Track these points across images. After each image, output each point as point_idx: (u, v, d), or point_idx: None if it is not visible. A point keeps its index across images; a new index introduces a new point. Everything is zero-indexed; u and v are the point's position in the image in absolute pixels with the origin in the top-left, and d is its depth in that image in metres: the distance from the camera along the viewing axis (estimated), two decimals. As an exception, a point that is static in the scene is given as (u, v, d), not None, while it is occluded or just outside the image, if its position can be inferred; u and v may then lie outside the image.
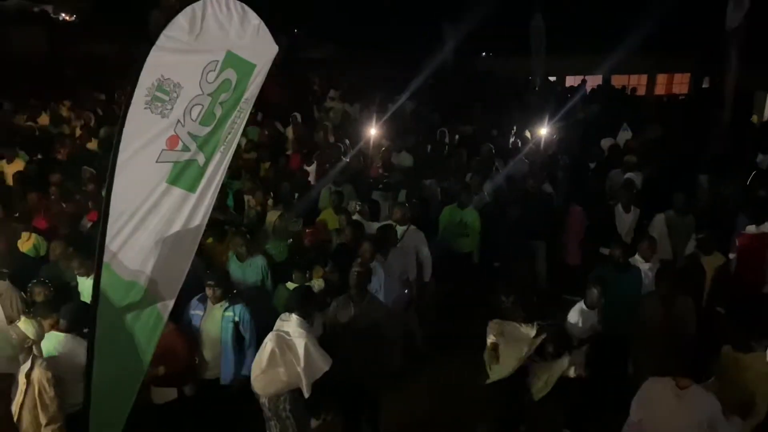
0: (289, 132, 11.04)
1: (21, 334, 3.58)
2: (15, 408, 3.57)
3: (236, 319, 4.42)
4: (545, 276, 7.40)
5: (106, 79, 15.08)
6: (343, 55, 24.48)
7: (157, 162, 3.17)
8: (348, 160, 8.75)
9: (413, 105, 13.90)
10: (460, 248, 6.95)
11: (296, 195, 7.49)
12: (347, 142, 9.77)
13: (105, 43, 23.22)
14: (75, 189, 6.77)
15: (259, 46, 3.34)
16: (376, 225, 6.29)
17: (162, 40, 3.08)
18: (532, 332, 4.44)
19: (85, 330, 3.44)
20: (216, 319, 4.46)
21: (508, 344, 4.43)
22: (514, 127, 12.32)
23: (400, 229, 5.97)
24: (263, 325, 4.37)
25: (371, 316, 4.49)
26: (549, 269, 7.41)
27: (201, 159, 3.31)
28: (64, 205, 6.34)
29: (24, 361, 3.59)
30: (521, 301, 4.72)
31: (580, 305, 4.83)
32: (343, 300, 4.64)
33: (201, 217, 3.39)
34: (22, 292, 4.57)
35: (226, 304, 4.46)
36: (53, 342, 3.88)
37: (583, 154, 9.95)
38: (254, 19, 3.26)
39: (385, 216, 6.76)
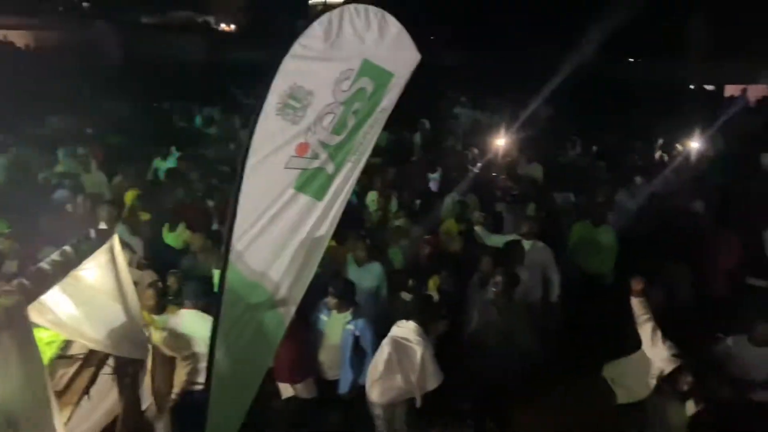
0: (417, 138, 11.06)
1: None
2: (148, 380, 3.80)
3: (357, 333, 4.42)
4: (689, 305, 6.64)
5: (257, 85, 16.16)
6: (475, 61, 24.19)
7: (285, 168, 3.24)
8: (474, 168, 8.55)
9: (548, 112, 13.32)
10: (592, 268, 6.46)
11: (418, 202, 7.44)
12: (475, 150, 9.56)
13: (258, 51, 25.11)
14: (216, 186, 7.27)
15: (398, 54, 3.27)
16: (497, 238, 6.06)
17: (296, 48, 3.15)
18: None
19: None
20: (337, 328, 4.49)
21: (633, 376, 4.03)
22: (660, 140, 11.33)
23: (526, 245, 5.68)
24: (377, 332, 4.35)
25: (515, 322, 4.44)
26: (692, 298, 6.64)
27: (330, 168, 3.32)
28: (208, 201, 6.81)
29: None
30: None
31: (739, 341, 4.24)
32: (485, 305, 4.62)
33: (327, 227, 3.39)
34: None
35: (349, 317, 4.48)
36: (179, 316, 4.14)
37: (742, 172, 8.87)
38: (394, 26, 3.19)
39: (510, 230, 6.49)
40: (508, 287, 4.73)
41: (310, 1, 57.04)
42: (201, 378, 3.95)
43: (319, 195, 3.35)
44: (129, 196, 6.50)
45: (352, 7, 3.11)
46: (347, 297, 4.50)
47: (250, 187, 3.22)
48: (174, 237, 5.97)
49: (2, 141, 9.34)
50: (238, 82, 16.29)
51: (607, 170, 8.73)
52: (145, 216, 6.08)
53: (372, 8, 3.14)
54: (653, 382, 3.98)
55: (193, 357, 3.82)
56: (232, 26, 48.24)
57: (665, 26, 17.21)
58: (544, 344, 5.79)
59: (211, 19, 52.02)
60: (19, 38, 28.01)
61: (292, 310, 3.49)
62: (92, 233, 3.01)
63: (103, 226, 5.63)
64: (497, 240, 5.95)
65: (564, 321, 6.16)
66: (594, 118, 12.96)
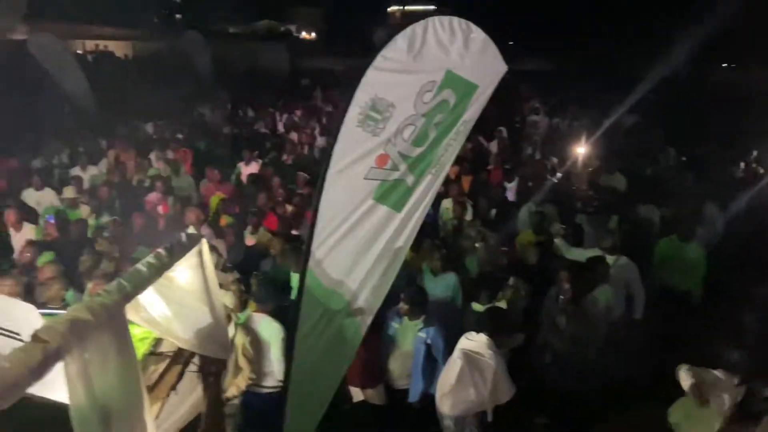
0: (493, 146, 10.90)
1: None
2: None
3: (428, 341, 4.41)
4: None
5: (335, 92, 16.52)
6: (555, 66, 23.60)
7: (365, 178, 3.30)
8: (553, 178, 8.32)
9: (633, 120, 12.74)
10: (678, 286, 6.12)
11: (494, 211, 7.32)
12: (554, 159, 9.30)
13: (337, 59, 25.71)
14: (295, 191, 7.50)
15: (483, 65, 3.25)
16: (577, 251, 5.85)
17: (379, 60, 3.21)
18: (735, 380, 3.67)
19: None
20: (409, 336, 4.50)
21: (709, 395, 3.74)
22: (755, 151, 10.57)
23: (609, 260, 5.47)
24: (449, 341, 4.32)
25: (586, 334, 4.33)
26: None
27: (410, 180, 3.34)
28: (287, 206, 7.02)
29: None
30: (752, 359, 3.97)
31: None
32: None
33: (405, 238, 3.41)
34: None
35: (421, 324, 4.48)
36: (257, 321, 4.31)
37: None
38: (480, 37, 3.18)
39: (590, 243, 6.26)
40: (579, 296, 4.55)
41: (388, 9, 57.81)
42: (265, 381, 4.15)
43: (398, 206, 3.37)
44: (214, 201, 6.79)
45: (436, 19, 3.13)
46: (419, 304, 4.50)
47: (330, 195, 3.30)
48: (255, 240, 6.20)
49: (102, 144, 10.06)
50: (317, 88, 16.72)
51: (695, 182, 8.24)
52: (227, 220, 6.35)
53: (457, 19, 3.14)
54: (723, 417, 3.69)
55: (258, 361, 3.99)
56: (313, 34, 49.74)
57: (761, 31, 16.06)
58: (626, 362, 5.56)
59: (293, 28, 53.86)
60: (118, 48, 30.10)
61: (369, 319, 3.52)
62: (183, 237, 3.17)
63: (191, 229, 5.94)
64: (578, 254, 5.75)
65: (648, 339, 5.89)
66: (682, 127, 12.27)
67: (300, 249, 5.75)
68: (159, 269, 2.79)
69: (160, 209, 6.82)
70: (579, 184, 8.54)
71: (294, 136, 11.59)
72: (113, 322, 2.29)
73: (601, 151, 10.03)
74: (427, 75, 3.21)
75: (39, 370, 1.92)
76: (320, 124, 12.71)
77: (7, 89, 14.67)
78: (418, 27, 3.15)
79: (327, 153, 3.29)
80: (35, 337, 1.98)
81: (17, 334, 2.53)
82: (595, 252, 5.67)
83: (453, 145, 3.40)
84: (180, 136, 10.99)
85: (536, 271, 5.69)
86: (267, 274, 5.16)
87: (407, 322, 4.52)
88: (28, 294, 4.98)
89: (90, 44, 29.56)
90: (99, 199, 7.33)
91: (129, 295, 2.48)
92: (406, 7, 57.19)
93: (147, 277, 2.67)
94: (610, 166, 9.22)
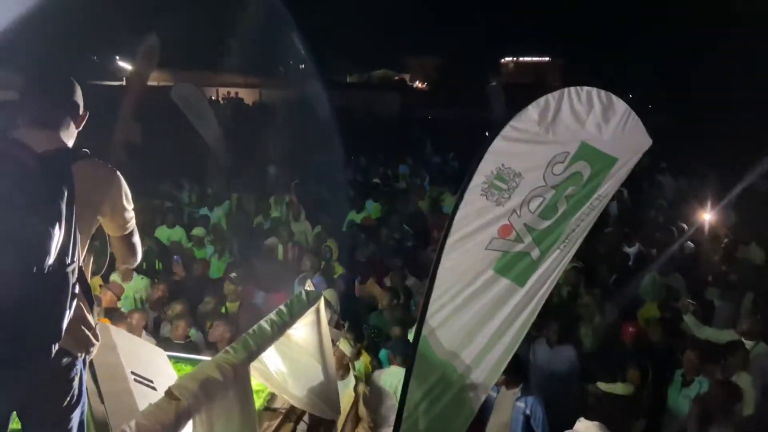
0: (613, 207, 10.34)
1: (340, 353, 4.04)
2: (339, 424, 3.98)
3: (527, 412, 4.18)
4: None
5: (445, 141, 16.69)
6: (681, 122, 22.29)
7: (486, 248, 3.21)
8: (681, 245, 7.71)
9: (771, 185, 11.63)
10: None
11: (613, 279, 6.89)
12: (682, 224, 8.64)
13: (449, 109, 26.12)
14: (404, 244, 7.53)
15: (624, 139, 3.07)
16: (710, 331, 5.33)
17: (507, 130, 3.16)
18: None
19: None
20: (507, 405, 4.29)
21: None
22: None
23: (747, 345, 4.91)
24: (560, 422, 4.04)
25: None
26: None
27: (535, 253, 3.20)
28: (396, 259, 7.05)
29: (342, 377, 4.01)
30: None
31: None
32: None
33: (528, 314, 3.24)
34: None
35: (519, 393, 4.26)
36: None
37: None
38: (622, 110, 3.02)
39: (721, 322, 5.68)
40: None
41: (501, 60, 58.16)
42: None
43: (520, 280, 3.23)
44: (324, 247, 6.99)
45: (573, 89, 3.05)
46: (517, 373, 4.29)
47: (448, 263, 3.25)
48: (363, 291, 6.27)
49: (227, 187, 10.77)
50: (430, 139, 16.96)
51: None
52: (339, 269, 6.48)
53: (596, 91, 3.03)
54: None
55: (378, 411, 3.96)
56: (425, 84, 51.03)
57: None
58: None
59: (406, 77, 55.67)
60: (246, 95, 32.60)
61: (483, 396, 3.37)
62: (303, 294, 3.25)
63: (305, 275, 6.14)
64: (711, 334, 5.24)
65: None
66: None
67: (407, 306, 5.78)
68: (282, 327, 2.86)
69: (279, 253, 7.12)
70: (710, 255, 7.85)
71: (404, 185, 11.79)
72: (239, 380, 2.36)
73: (735, 219, 9.21)
74: (560, 146, 3.10)
75: (171, 427, 2.00)
76: (430, 174, 12.83)
77: (147, 132, 16.32)
78: (551, 98, 3.07)
79: (447, 221, 3.26)
80: (169, 393, 2.07)
81: (150, 381, 2.67)
82: (731, 335, 5.13)
83: (586, 220, 3.22)
84: (297, 181, 11.53)
85: (661, 351, 5.24)
86: (376, 328, 5.17)
87: (504, 391, 4.34)
88: (156, 329, 5.35)
89: (222, 91, 32.21)
90: (222, 240, 7.82)
91: (254, 354, 2.56)
92: (520, 58, 57.30)
93: (270, 335, 2.74)
94: (745, 236, 8.41)
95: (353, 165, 14.16)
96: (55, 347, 1.68)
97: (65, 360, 1.84)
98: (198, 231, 7.88)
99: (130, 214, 2.05)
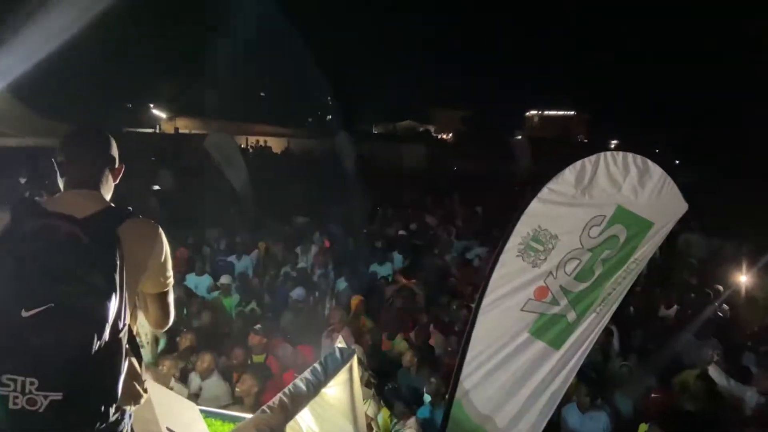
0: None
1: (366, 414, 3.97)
2: None
3: None
4: None
5: (471, 193, 16.72)
6: (712, 177, 22.07)
7: (521, 310, 3.19)
8: (716, 308, 7.48)
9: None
10: None
11: (650, 344, 6.68)
12: (718, 287, 8.42)
13: (473, 160, 26.32)
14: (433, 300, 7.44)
15: (660, 203, 3.08)
16: (733, 384, 5.16)
17: (545, 192, 3.18)
18: None
19: None
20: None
21: None
22: None
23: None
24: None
25: None
26: None
27: (571, 316, 3.17)
28: (422, 315, 6.98)
29: None
30: None
31: None
32: None
33: (563, 379, 3.18)
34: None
35: None
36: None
37: None
38: (657, 174, 3.04)
39: (759, 389, 5.45)
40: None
41: (526, 113, 58.82)
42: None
43: (556, 343, 3.18)
44: (353, 302, 6.95)
45: (609, 154, 3.08)
46: None
47: (483, 324, 3.22)
48: (390, 347, 6.19)
49: (255, 235, 10.87)
50: (455, 191, 17.01)
51: None
52: (368, 323, 6.43)
53: (632, 155, 3.06)
54: None
55: None
56: (451, 136, 51.74)
57: None
58: None
59: (431, 128, 56.53)
60: (275, 144, 33.37)
61: (518, 461, 3.27)
62: (337, 352, 3.23)
63: (333, 328, 6.11)
64: (735, 388, 5.05)
65: None
66: None
67: (435, 364, 5.68)
68: (317, 386, 2.85)
69: (305, 306, 7.11)
70: (747, 318, 7.61)
71: (430, 238, 11.75)
72: (275, 442, 2.33)
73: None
74: (596, 209, 3.11)
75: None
76: (456, 227, 12.80)
77: (178, 179, 16.72)
78: (588, 161, 3.10)
79: (482, 282, 3.25)
80: (210, 455, 2.05)
81: (185, 438, 2.65)
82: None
83: (622, 283, 3.19)
84: (317, 234, 11.60)
85: (700, 418, 5.03)
86: (402, 386, 5.09)
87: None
88: (183, 378, 5.33)
89: (251, 139, 33.05)
90: (248, 289, 7.86)
91: (290, 415, 2.54)
92: (545, 112, 57.85)
93: (306, 395, 2.73)
94: (784, 300, 8.15)
95: (378, 216, 14.21)
96: (112, 410, 1.69)
97: (116, 415, 1.85)
98: (225, 278, 7.94)
99: (170, 272, 2.03)
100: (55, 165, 1.94)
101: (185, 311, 7.17)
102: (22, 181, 11.22)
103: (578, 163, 3.12)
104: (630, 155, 3.08)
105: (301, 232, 11.68)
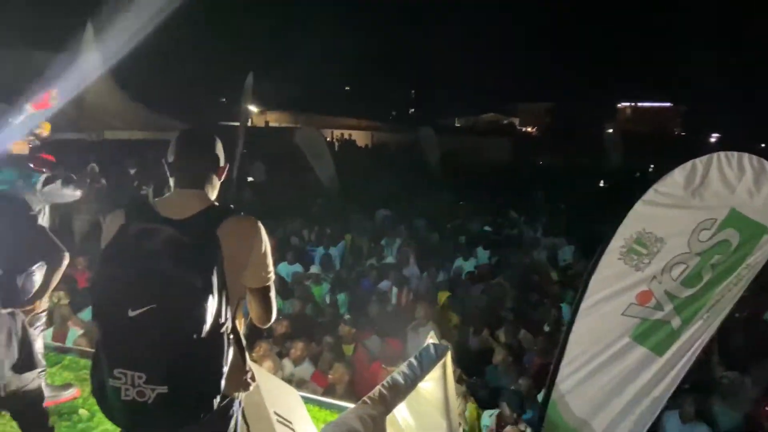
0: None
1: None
2: None
3: None
4: None
5: (558, 189, 16.24)
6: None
7: (623, 314, 3.10)
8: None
9: None
10: None
11: (754, 352, 6.25)
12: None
13: (559, 155, 25.51)
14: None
15: None
16: None
17: (650, 194, 3.07)
18: None
19: None
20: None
21: None
22: None
23: None
24: None
25: None
26: None
27: (676, 322, 3.04)
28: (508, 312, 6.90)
29: None
30: None
31: None
32: None
33: (665, 387, 3.07)
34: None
35: None
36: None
37: None
38: None
39: None
40: None
41: (618, 105, 56.08)
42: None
43: (659, 350, 3.06)
44: (441, 297, 6.99)
45: (722, 154, 2.91)
46: None
47: (582, 328, 3.16)
48: (477, 343, 6.18)
49: (343, 227, 11.14)
50: (541, 186, 16.59)
51: None
52: (454, 318, 6.45)
53: (747, 156, 2.87)
54: None
55: None
56: (536, 129, 50.34)
57: None
58: None
59: (516, 121, 55.20)
60: (359, 137, 33.90)
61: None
62: (431, 348, 3.28)
63: (418, 322, 6.18)
64: None
65: None
66: None
67: (521, 362, 5.63)
68: (413, 380, 2.91)
69: (392, 298, 7.23)
70: None
71: (516, 234, 11.56)
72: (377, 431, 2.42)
73: None
74: (706, 212, 2.95)
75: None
76: (542, 224, 12.50)
77: (270, 171, 17.38)
78: (699, 162, 2.95)
79: (581, 284, 3.19)
80: (319, 441, 2.17)
81: (290, 422, 2.81)
82: None
83: (732, 290, 3.01)
84: (401, 226, 11.69)
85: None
86: (491, 383, 5.08)
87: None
88: (277, 364, 5.58)
89: (337, 133, 33.74)
90: (336, 280, 8.08)
91: (390, 407, 2.62)
92: (639, 104, 54.88)
93: (403, 388, 2.80)
94: None
95: (462, 211, 14.11)
96: (216, 400, 1.81)
97: (224, 402, 1.98)
98: (315, 268, 8.21)
99: (271, 267, 2.07)
100: (165, 165, 2.06)
101: (279, 301, 7.51)
102: (131, 171, 12.16)
103: (688, 164, 2.97)
104: (746, 155, 2.90)
105: (385, 225, 11.83)
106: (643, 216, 3.07)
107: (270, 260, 2.06)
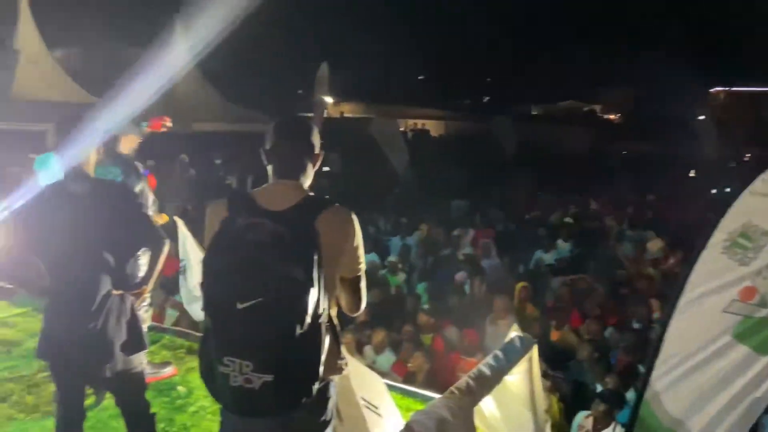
0: None
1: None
2: None
3: None
4: None
5: (644, 179, 15.52)
6: None
7: (723, 311, 2.92)
8: None
9: None
10: None
11: None
12: None
13: (644, 143, 24.30)
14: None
15: None
16: None
17: (757, 185, 2.87)
18: None
19: None
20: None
21: None
22: None
23: None
24: None
25: None
26: None
27: (781, 320, 2.85)
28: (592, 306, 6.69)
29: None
30: None
31: None
32: None
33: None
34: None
35: None
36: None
37: None
38: None
39: None
40: None
41: (710, 90, 52.36)
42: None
43: (762, 349, 2.87)
44: (517, 288, 6.87)
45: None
46: None
47: (680, 324, 3.01)
48: (558, 337, 6.04)
49: (415, 218, 11.15)
50: (626, 176, 15.91)
51: None
52: (533, 312, 6.33)
53: None
54: None
55: None
56: (619, 117, 48.00)
57: None
58: None
59: (597, 108, 52.82)
60: (433, 127, 33.74)
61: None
62: (517, 340, 3.25)
63: (496, 314, 6.12)
64: None
65: None
66: None
67: (607, 359, 5.44)
68: (500, 372, 2.90)
69: (467, 288, 7.19)
70: None
71: (598, 226, 11.16)
72: (466, 422, 2.43)
73: None
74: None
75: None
76: (627, 215, 11.99)
77: (345, 161, 17.65)
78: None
79: (680, 279, 3.03)
80: (409, 428, 2.21)
81: (376, 407, 2.87)
82: None
83: None
84: (477, 216, 11.53)
85: None
86: (577, 381, 4.96)
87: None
88: (358, 351, 5.70)
89: (410, 123, 33.76)
90: (413, 269, 8.12)
91: (477, 398, 2.62)
92: (733, 88, 51.05)
93: (490, 381, 2.79)
94: None
95: (541, 201, 13.77)
96: (316, 386, 1.88)
97: (322, 384, 2.05)
98: (393, 258, 8.27)
99: (362, 258, 2.10)
100: (262, 154, 2.10)
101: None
102: (218, 162, 12.74)
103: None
104: None
105: (460, 215, 11.74)
106: (749, 208, 2.88)
107: (362, 251, 2.10)
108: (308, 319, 1.78)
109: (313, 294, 1.78)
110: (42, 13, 16.13)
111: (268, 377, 1.76)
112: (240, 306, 1.72)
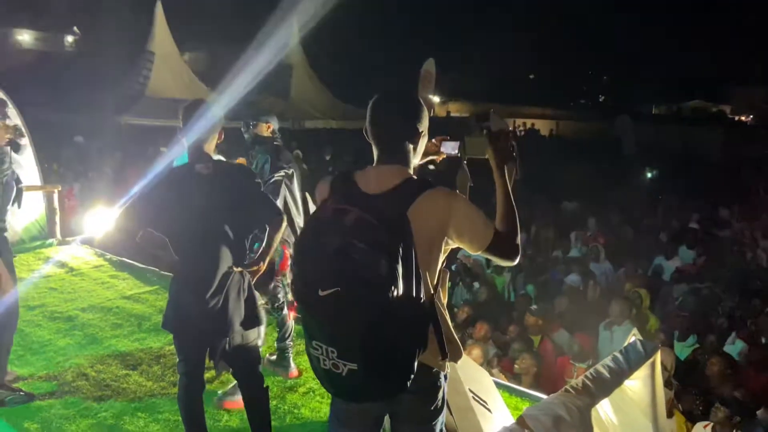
0: None
1: None
2: None
3: None
4: None
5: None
6: None
7: None
8: None
9: None
10: None
11: None
12: None
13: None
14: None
15: None
16: None
17: None
18: None
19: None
20: None
21: None
22: None
23: None
24: None
25: None
26: None
27: None
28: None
29: None
30: None
31: None
32: None
33: None
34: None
35: None
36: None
37: None
38: None
39: None
40: None
41: None
42: None
43: None
44: (640, 294, 6.44)
45: None
46: None
47: None
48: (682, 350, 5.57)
49: (524, 218, 10.75)
50: (763, 182, 14.41)
51: None
52: (653, 321, 5.89)
53: None
54: None
55: None
56: (751, 118, 43.55)
57: None
58: None
59: (727, 109, 48.16)
60: (543, 126, 32.64)
61: None
62: (639, 344, 3.02)
63: (612, 320, 5.76)
64: None
65: None
66: None
67: (737, 374, 4.92)
68: (619, 376, 2.71)
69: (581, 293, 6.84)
70: None
71: (728, 234, 10.20)
72: (583, 422, 2.29)
73: None
74: None
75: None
76: (762, 225, 10.82)
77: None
78: None
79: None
80: (523, 423, 2.10)
81: (485, 402, 2.78)
82: None
83: None
84: (592, 219, 10.91)
85: None
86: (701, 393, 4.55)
87: None
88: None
89: (519, 122, 32.87)
90: (520, 269, 7.85)
91: (596, 399, 2.46)
92: None
93: (608, 383, 2.61)
94: None
95: (662, 205, 12.81)
96: (409, 381, 1.80)
97: (433, 371, 2.00)
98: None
99: (484, 224, 1.91)
100: (364, 133, 2.00)
101: (460, 284, 7.54)
102: (327, 157, 13.13)
103: None
104: None
105: (572, 217, 11.21)
106: None
107: (480, 219, 1.92)
108: (393, 311, 1.68)
109: (399, 286, 1.69)
110: (175, 19, 17.55)
111: (353, 366, 1.72)
112: (321, 293, 1.67)
